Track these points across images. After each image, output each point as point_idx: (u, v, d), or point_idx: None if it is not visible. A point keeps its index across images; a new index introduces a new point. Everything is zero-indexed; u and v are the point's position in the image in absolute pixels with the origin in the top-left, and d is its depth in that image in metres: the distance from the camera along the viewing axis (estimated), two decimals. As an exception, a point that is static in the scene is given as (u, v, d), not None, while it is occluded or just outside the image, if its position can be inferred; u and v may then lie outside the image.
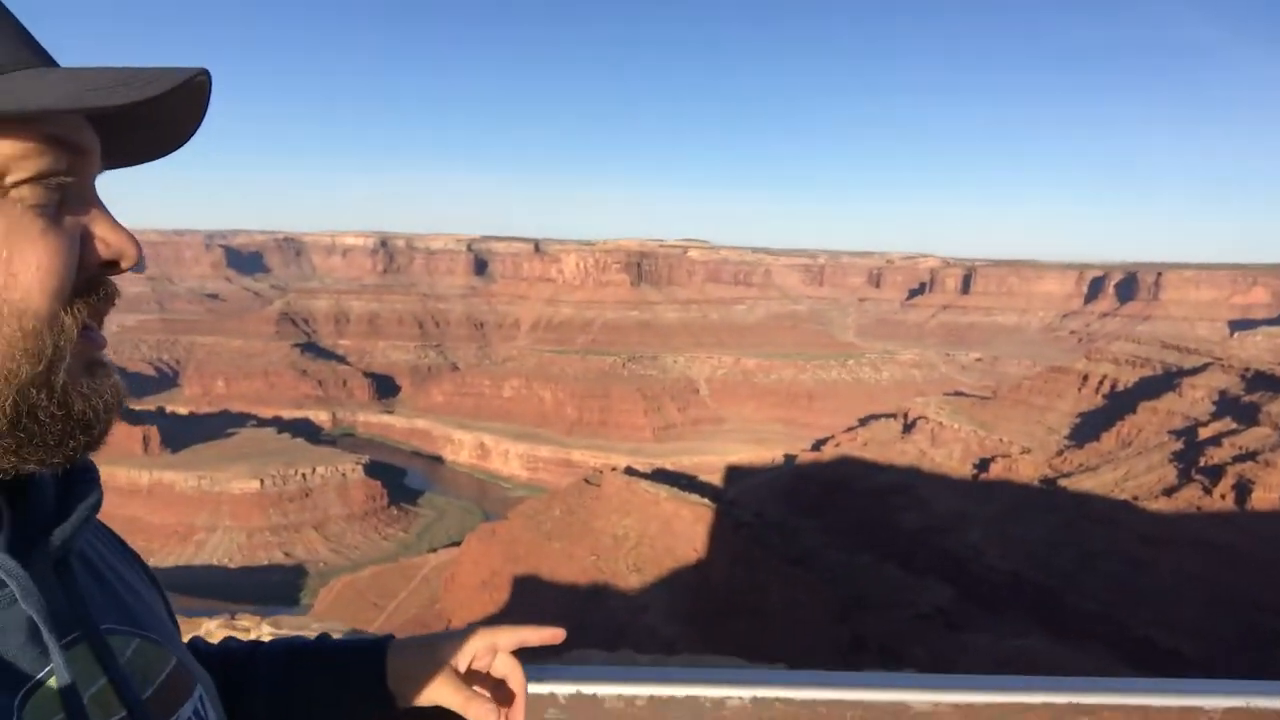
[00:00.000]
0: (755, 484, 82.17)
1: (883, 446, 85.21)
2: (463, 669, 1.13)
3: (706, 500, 59.78)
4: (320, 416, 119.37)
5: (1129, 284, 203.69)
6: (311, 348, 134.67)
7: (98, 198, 0.67)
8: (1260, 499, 52.19)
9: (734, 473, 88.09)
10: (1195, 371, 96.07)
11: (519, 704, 1.13)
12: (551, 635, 1.15)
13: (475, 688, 1.13)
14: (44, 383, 0.61)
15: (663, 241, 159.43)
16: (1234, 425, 63.59)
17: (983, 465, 73.06)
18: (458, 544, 67.21)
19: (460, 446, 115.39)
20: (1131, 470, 63.03)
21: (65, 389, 0.62)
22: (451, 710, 1.10)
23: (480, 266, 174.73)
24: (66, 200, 0.64)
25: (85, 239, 0.65)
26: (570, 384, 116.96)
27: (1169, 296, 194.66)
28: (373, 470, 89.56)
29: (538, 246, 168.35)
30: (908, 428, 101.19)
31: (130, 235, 0.66)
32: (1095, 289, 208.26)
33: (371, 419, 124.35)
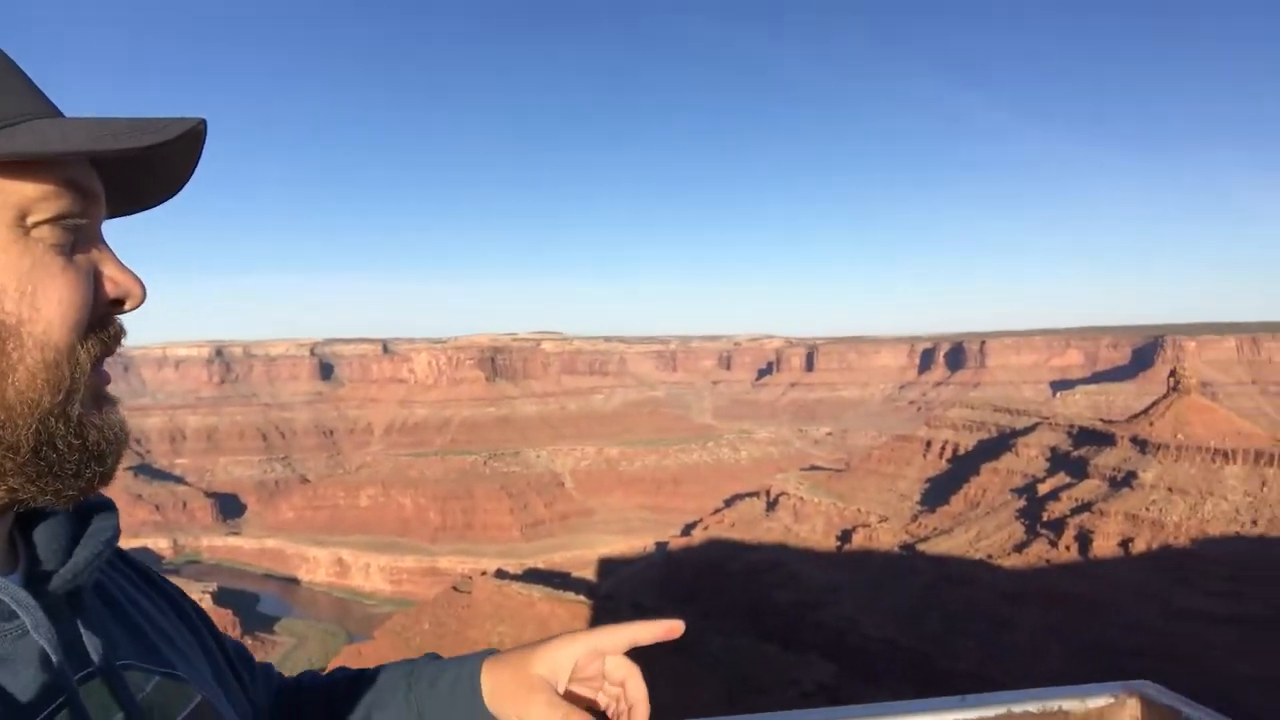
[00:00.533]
0: (629, 574, 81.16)
1: (749, 525, 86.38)
2: (563, 684, 1.02)
3: (582, 596, 58.60)
4: (160, 544, 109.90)
5: (957, 353, 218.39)
6: (146, 469, 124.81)
7: (104, 240, 0.70)
8: (1100, 547, 55.93)
9: (607, 565, 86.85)
10: (1027, 431, 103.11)
11: (639, 712, 1.01)
12: (667, 630, 1.03)
13: (600, 692, 1.04)
14: (62, 413, 0.62)
15: (515, 335, 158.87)
16: (1068, 479, 68.29)
17: (845, 536, 75.17)
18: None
19: (316, 565, 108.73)
20: (983, 530, 66.31)
21: (81, 420, 0.64)
22: None
23: (326, 371, 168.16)
24: (79, 241, 0.67)
25: (96, 278, 0.67)
26: (431, 487, 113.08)
27: (994, 363, 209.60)
28: (222, 598, 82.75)
29: (386, 346, 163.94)
30: (771, 505, 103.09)
31: (136, 276, 0.69)
32: (927, 360, 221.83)
33: (217, 542, 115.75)
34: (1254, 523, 57.53)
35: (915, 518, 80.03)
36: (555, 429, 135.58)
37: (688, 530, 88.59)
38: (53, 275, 0.62)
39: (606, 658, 1.03)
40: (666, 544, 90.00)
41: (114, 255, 0.70)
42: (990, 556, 61.02)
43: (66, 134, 0.63)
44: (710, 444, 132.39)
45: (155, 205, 0.80)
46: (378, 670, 1.12)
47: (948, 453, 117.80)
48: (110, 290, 0.68)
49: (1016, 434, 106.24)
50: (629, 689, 1.01)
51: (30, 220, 0.62)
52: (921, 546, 67.10)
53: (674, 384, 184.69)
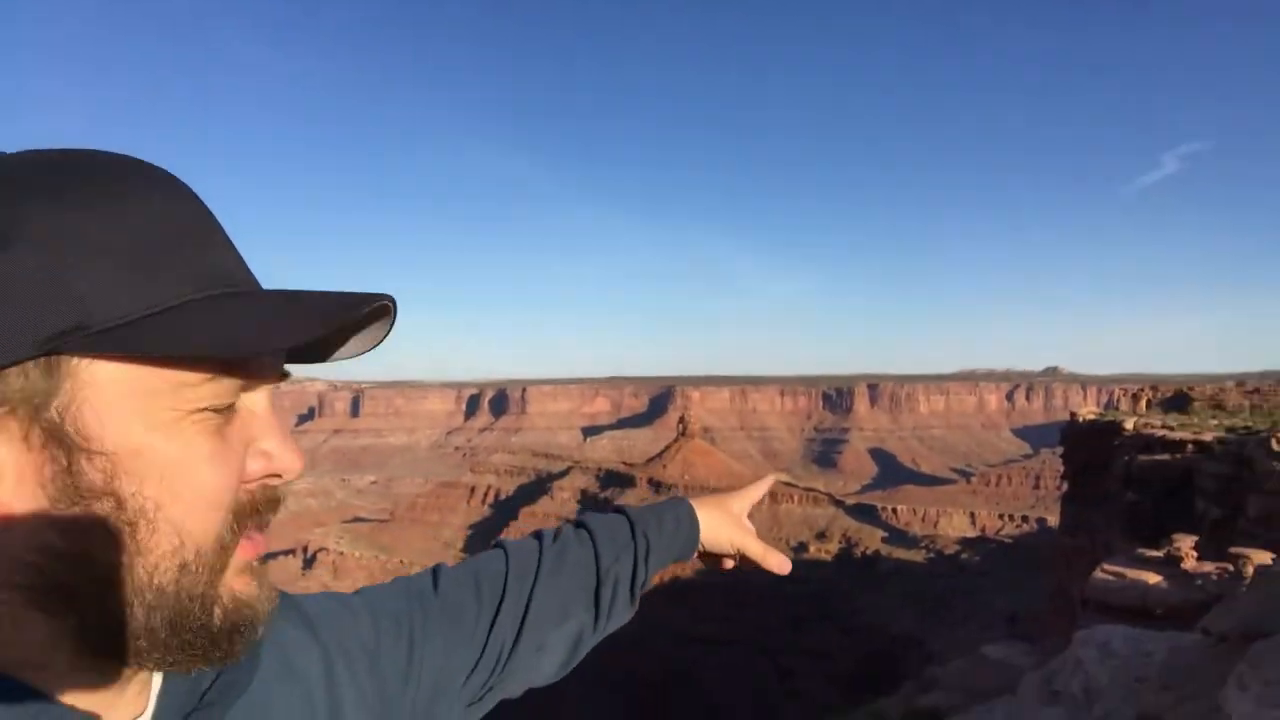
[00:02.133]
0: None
1: (286, 587, 79.33)
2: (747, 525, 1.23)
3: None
4: None
5: (500, 400, 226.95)
6: None
7: (272, 411, 0.65)
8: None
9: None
10: (561, 475, 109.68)
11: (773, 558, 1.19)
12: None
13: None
14: (197, 595, 0.60)
15: None
16: (596, 520, 73.50)
17: (388, 591, 72.72)
18: None
19: None
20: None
21: (206, 597, 0.61)
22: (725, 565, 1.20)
23: None
24: (239, 415, 0.63)
25: (254, 454, 0.63)
26: None
27: (534, 409, 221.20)
28: None
29: None
30: (309, 562, 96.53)
31: (296, 451, 0.65)
32: (473, 406, 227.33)
33: None
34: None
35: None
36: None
37: (208, 598, 79.05)
38: (198, 461, 0.59)
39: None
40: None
41: (278, 427, 0.65)
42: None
43: (239, 329, 0.57)
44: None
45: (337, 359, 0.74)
46: (588, 523, 1.15)
47: (490, 498, 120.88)
48: (265, 467, 0.64)
49: (553, 477, 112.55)
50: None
51: (185, 408, 0.58)
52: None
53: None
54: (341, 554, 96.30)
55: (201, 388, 0.58)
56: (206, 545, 0.60)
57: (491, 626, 0.97)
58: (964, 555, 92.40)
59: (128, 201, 0.57)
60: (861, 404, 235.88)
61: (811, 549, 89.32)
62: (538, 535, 1.11)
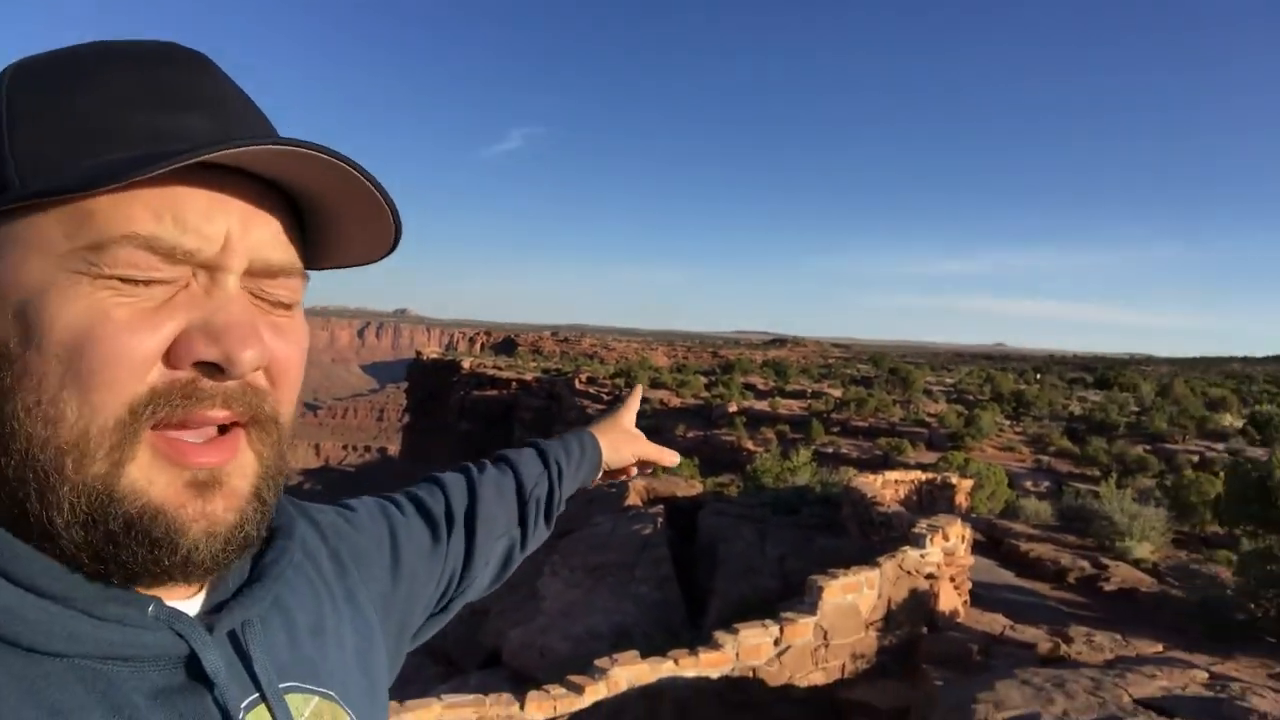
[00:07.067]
0: None
1: None
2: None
3: None
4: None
5: None
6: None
7: (233, 298, 0.59)
8: None
9: None
10: None
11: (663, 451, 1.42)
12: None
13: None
14: (93, 487, 0.55)
15: None
16: None
17: None
18: None
19: None
20: None
21: (108, 495, 0.56)
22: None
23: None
24: (189, 293, 0.58)
25: (193, 337, 0.57)
26: None
27: None
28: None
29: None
30: None
31: (245, 341, 0.58)
32: None
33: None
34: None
35: None
36: None
37: None
38: (98, 328, 0.54)
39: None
40: None
41: (227, 312, 0.58)
42: None
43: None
44: None
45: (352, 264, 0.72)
46: (510, 456, 1.25)
47: None
48: (196, 352, 0.57)
49: None
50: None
51: (93, 272, 0.54)
52: None
53: None
54: None
55: (116, 252, 0.55)
56: (99, 427, 0.54)
57: (448, 541, 1.03)
58: (306, 486, 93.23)
59: (79, 79, 0.58)
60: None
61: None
62: (463, 469, 1.17)
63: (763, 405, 51.07)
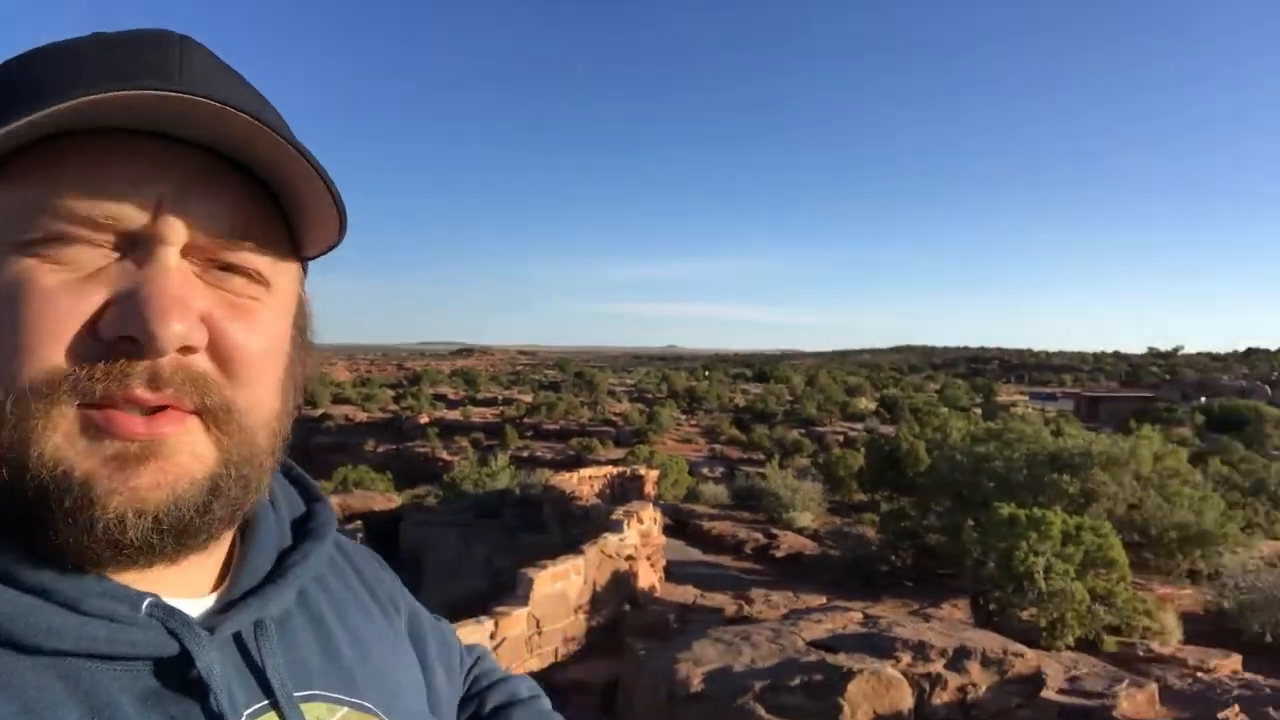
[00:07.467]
0: None
1: None
2: None
3: None
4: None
5: None
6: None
7: (160, 271, 0.55)
8: None
9: None
10: None
11: None
12: None
13: None
14: (19, 455, 0.52)
15: None
16: None
17: None
18: None
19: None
20: None
21: (23, 461, 0.52)
22: None
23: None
24: (122, 266, 0.54)
25: (117, 306, 0.54)
26: None
27: None
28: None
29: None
30: None
31: (163, 316, 0.53)
32: None
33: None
34: None
35: None
36: None
37: None
38: (14, 294, 0.52)
39: None
40: None
41: (148, 285, 0.54)
42: None
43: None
44: None
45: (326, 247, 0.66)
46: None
47: None
48: (118, 326, 0.53)
49: None
50: None
51: (12, 239, 0.53)
52: None
53: None
54: None
55: (38, 219, 0.53)
56: (17, 393, 0.52)
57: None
58: None
59: (50, 57, 0.57)
60: None
61: None
62: (532, 685, 1.01)
63: (455, 414, 50.86)
